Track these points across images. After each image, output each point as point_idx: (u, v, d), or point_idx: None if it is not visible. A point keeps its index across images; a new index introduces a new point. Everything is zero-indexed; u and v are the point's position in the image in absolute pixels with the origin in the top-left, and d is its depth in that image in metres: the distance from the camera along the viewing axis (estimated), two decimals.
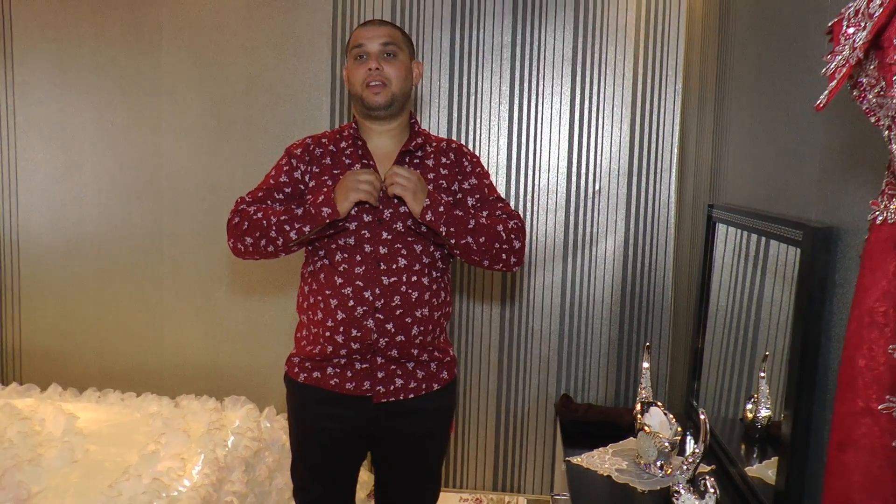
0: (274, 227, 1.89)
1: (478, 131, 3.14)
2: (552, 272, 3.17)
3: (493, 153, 3.14)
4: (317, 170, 2.02)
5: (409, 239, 1.96)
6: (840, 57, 0.90)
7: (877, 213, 1.01)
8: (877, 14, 0.81)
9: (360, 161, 2.02)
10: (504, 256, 1.99)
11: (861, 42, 0.85)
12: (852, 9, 0.91)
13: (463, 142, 3.14)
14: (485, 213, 2.02)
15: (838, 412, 1.09)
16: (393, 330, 1.94)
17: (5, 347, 3.49)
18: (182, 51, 3.24)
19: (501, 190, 3.14)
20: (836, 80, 0.89)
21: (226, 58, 3.22)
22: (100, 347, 3.43)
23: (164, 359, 3.39)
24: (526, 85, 3.11)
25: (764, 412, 1.93)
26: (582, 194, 3.13)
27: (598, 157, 3.11)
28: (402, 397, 1.99)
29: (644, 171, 3.09)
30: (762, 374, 1.95)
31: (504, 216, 2.03)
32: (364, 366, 1.97)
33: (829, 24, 0.96)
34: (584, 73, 3.08)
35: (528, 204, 3.15)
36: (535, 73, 3.10)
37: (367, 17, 3.12)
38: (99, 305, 3.41)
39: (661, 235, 3.10)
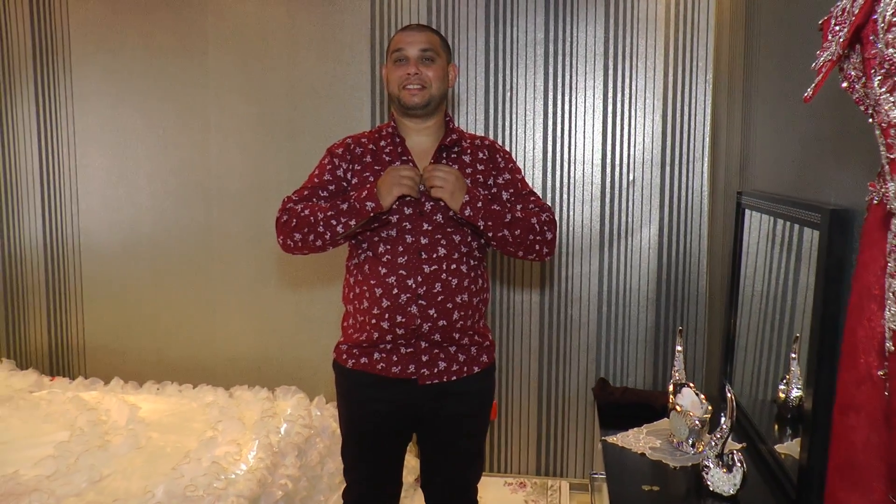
0: (321, 223, 2.01)
1: (514, 127, 3.24)
2: (589, 261, 3.25)
3: (528, 147, 3.24)
4: (358, 167, 2.14)
5: (449, 229, 2.07)
6: (828, 52, 0.98)
7: (873, 194, 1.08)
8: (855, 12, 0.89)
9: (400, 158, 2.13)
10: (537, 247, 2.09)
11: (842, 39, 0.93)
12: (839, 7, 0.99)
13: (499, 137, 3.24)
14: (519, 207, 2.12)
15: (841, 379, 1.17)
16: (435, 315, 2.05)
17: (70, 344, 3.71)
18: (227, 57, 3.40)
19: (538, 183, 3.24)
20: (822, 74, 0.97)
21: (269, 63, 3.36)
22: (157, 342, 3.62)
23: (217, 352, 3.56)
24: (559, 80, 3.19)
25: (795, 392, 1.98)
26: (616, 185, 3.20)
27: (632, 149, 3.18)
28: (444, 379, 2.10)
29: (677, 161, 3.15)
30: (793, 356, 2.00)
31: (537, 209, 2.12)
32: (409, 350, 2.08)
33: (820, 22, 1.04)
34: (616, 66, 3.15)
35: (564, 196, 3.23)
36: (568, 68, 3.18)
37: (404, 19, 3.23)
38: (155, 303, 3.59)
39: (695, 223, 3.16)
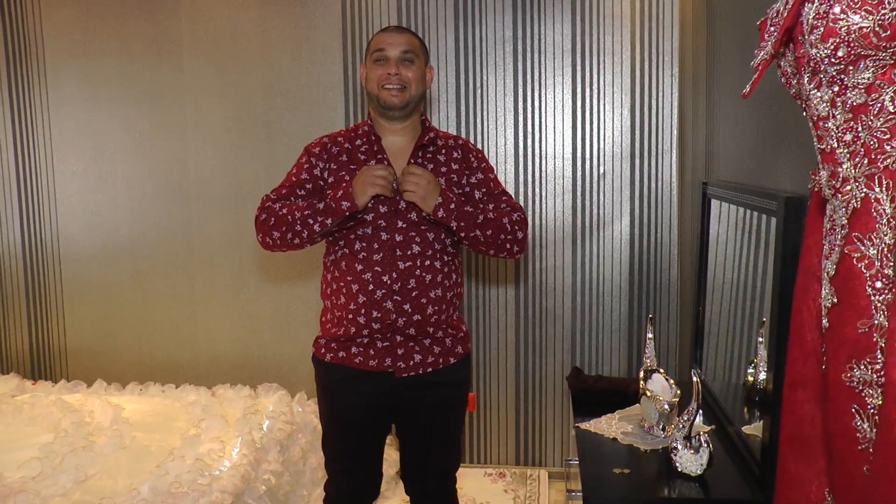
0: (298, 221, 2.07)
1: (485, 123, 3.30)
2: (563, 253, 3.32)
3: (500, 143, 3.30)
4: (334, 166, 2.19)
5: (423, 227, 2.13)
6: (763, 52, 1.05)
7: (813, 181, 1.15)
8: (783, 15, 0.96)
9: (375, 157, 2.18)
10: (508, 246, 2.15)
11: (773, 40, 0.99)
12: (774, 9, 1.05)
13: (471, 134, 3.30)
14: (491, 207, 2.18)
15: (790, 356, 1.24)
16: (410, 310, 2.11)
17: (52, 347, 3.73)
18: (203, 60, 3.43)
19: (511, 178, 3.30)
20: (758, 72, 1.04)
21: (244, 65, 3.40)
22: (139, 344, 3.65)
23: (198, 352, 3.60)
24: (529, 77, 3.26)
25: (763, 375, 2.06)
26: (588, 178, 3.28)
27: (602, 142, 3.25)
28: (421, 371, 2.16)
29: (646, 154, 3.22)
30: (760, 340, 2.08)
31: (508, 209, 2.18)
32: (385, 344, 2.14)
33: (758, 22, 1.10)
34: (584, 62, 3.22)
35: (537, 190, 3.30)
36: (536, 64, 3.25)
37: (375, 19, 3.28)
38: (136, 305, 3.62)
39: (665, 213, 3.24)
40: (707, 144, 2.69)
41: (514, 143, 3.29)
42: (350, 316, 2.12)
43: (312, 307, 3.43)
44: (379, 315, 2.10)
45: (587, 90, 3.23)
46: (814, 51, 0.93)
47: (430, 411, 2.23)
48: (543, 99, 3.26)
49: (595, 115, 3.24)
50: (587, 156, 3.27)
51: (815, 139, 1.03)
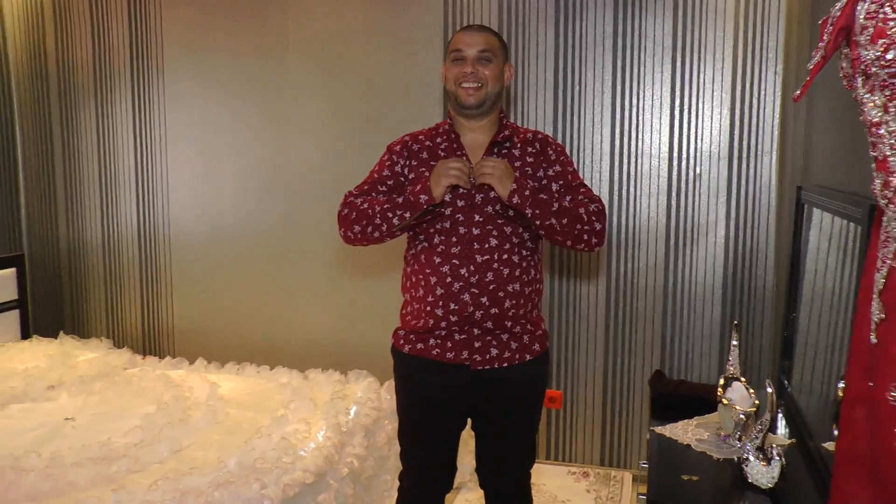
0: (378, 215, 2.13)
1: (582, 121, 3.27)
2: (655, 255, 3.26)
3: (596, 141, 3.27)
4: (415, 163, 2.24)
5: (500, 221, 2.14)
6: (819, 53, 1.01)
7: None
8: (838, 14, 0.92)
9: (454, 153, 2.22)
10: (586, 237, 2.13)
11: (826, 41, 0.96)
12: (837, 7, 1.01)
13: (567, 130, 3.29)
14: (568, 198, 2.16)
15: (849, 373, 1.19)
16: (487, 303, 2.12)
17: (161, 326, 3.99)
18: (307, 58, 3.57)
19: (605, 175, 3.27)
20: (811, 74, 1.00)
21: (346, 62, 3.51)
22: (238, 326, 3.85)
23: (294, 336, 3.76)
24: (628, 74, 3.21)
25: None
26: (683, 179, 3.20)
27: (699, 142, 3.17)
28: (496, 366, 2.17)
29: (745, 155, 3.11)
30: None
31: (586, 200, 2.16)
32: (462, 336, 2.16)
33: (820, 21, 1.06)
34: (685, 59, 3.14)
35: (631, 189, 3.25)
36: (636, 61, 3.19)
37: (476, 16, 3.32)
38: (237, 290, 3.82)
39: (763, 218, 3.12)
40: (805, 147, 2.58)
41: (611, 140, 3.25)
42: (428, 308, 2.15)
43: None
44: (456, 307, 2.12)
45: (686, 87, 3.16)
46: (864, 52, 0.89)
47: (505, 407, 2.23)
48: (641, 96, 3.21)
49: (693, 113, 3.16)
50: (683, 155, 3.19)
51: (869, 146, 0.99)
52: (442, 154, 2.23)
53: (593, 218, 2.12)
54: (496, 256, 2.13)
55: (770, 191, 3.10)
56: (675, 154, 3.20)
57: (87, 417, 2.93)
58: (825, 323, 2.28)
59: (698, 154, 3.17)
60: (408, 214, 2.10)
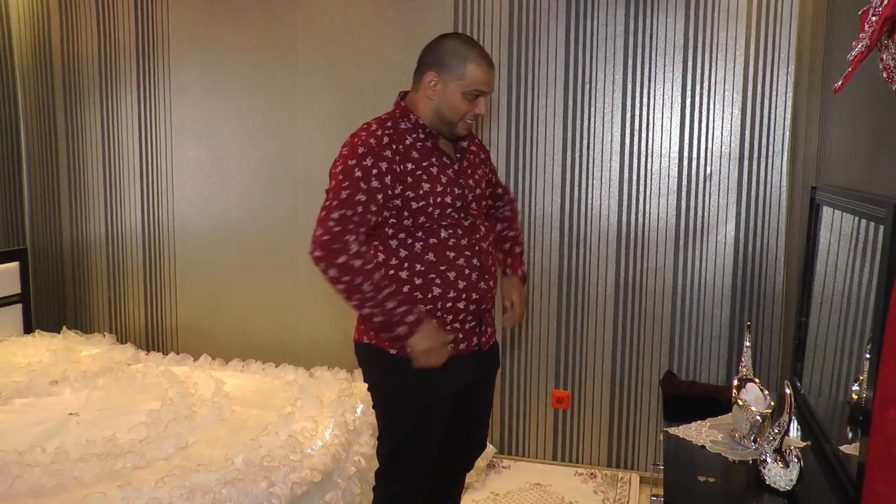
0: (366, 303, 1.97)
1: (592, 119, 3.25)
2: (664, 255, 3.24)
3: (606, 140, 3.25)
4: (411, 167, 2.08)
5: (482, 211, 2.27)
6: (861, 44, 0.98)
7: None
8: (885, 3, 0.90)
9: (436, 155, 2.13)
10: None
11: (870, 31, 0.93)
12: None
13: (577, 129, 3.27)
14: (515, 232, 2.50)
15: (883, 372, 1.17)
16: (493, 285, 2.22)
17: (165, 322, 3.96)
18: (315, 54, 3.54)
19: (615, 175, 3.25)
20: (853, 66, 0.98)
21: (355, 59, 3.49)
22: (243, 323, 3.82)
23: (299, 333, 3.73)
24: (638, 72, 3.19)
25: (868, 394, 1.95)
26: (693, 179, 3.18)
27: (710, 142, 3.15)
28: (493, 341, 2.32)
29: (755, 155, 3.09)
30: (867, 357, 1.96)
31: (511, 213, 2.52)
32: (473, 324, 2.19)
33: (860, 11, 1.04)
34: (696, 58, 3.12)
35: (641, 188, 3.23)
36: (647, 60, 3.17)
37: (487, 13, 3.29)
38: (242, 286, 3.80)
39: (773, 218, 3.10)
40: (819, 147, 2.56)
41: (621, 139, 3.23)
42: (449, 304, 2.10)
43: None
44: (477, 297, 2.15)
45: (697, 87, 3.13)
46: None
47: (487, 382, 2.34)
48: (652, 95, 3.19)
49: (704, 113, 3.14)
50: (694, 155, 3.17)
51: None
52: (424, 154, 2.12)
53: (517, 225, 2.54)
54: (488, 240, 2.24)
55: (781, 191, 3.08)
56: (686, 153, 3.18)
57: (90, 413, 2.91)
58: (838, 324, 2.26)
59: (709, 154, 3.15)
60: (380, 328, 2.02)
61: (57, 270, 4.15)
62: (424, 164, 2.10)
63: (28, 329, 4.01)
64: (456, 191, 2.12)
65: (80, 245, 4.08)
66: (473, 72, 2.08)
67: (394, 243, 2.09)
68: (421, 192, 2.05)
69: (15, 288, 3.96)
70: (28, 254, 4.09)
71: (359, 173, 2.01)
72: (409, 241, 2.09)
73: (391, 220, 2.07)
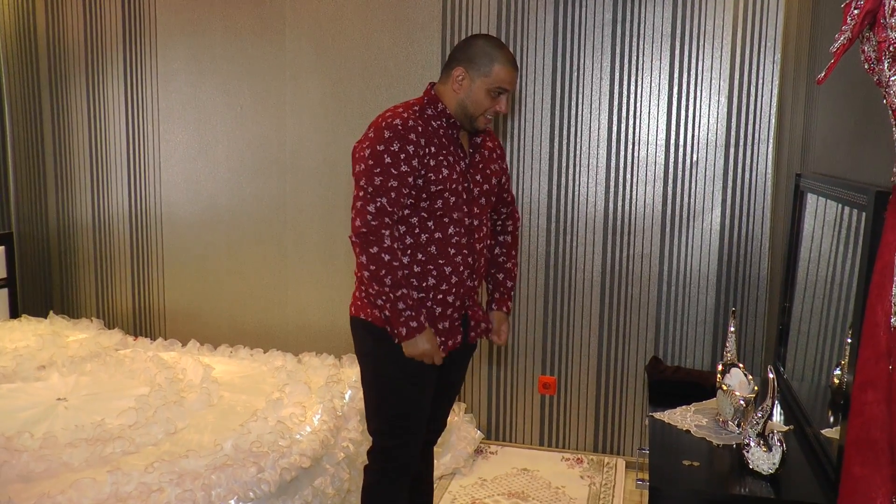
0: (380, 293, 2.10)
1: (579, 107, 3.27)
2: (650, 242, 3.26)
3: (594, 128, 3.26)
4: (433, 149, 2.16)
5: (487, 209, 2.31)
6: (844, 36, 1.00)
7: (894, 175, 1.10)
8: None
9: (454, 145, 2.21)
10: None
11: (852, 23, 0.95)
12: None
13: (565, 117, 3.29)
14: (511, 262, 2.52)
15: (861, 356, 1.19)
16: (478, 283, 2.32)
17: (152, 307, 3.96)
18: (304, 39, 3.53)
19: (602, 163, 3.27)
20: (836, 57, 0.99)
21: (344, 43, 3.48)
22: (231, 308, 3.82)
23: (288, 319, 3.74)
24: (626, 61, 3.20)
25: (849, 378, 1.98)
26: (680, 166, 3.20)
27: (696, 130, 3.17)
28: (483, 326, 2.39)
29: (741, 143, 3.12)
30: (849, 341, 1.99)
31: (511, 239, 2.53)
32: (458, 322, 2.29)
33: (843, 4, 1.05)
34: (683, 46, 3.14)
35: (628, 175, 3.25)
36: (634, 48, 3.19)
37: (474, 1, 3.28)
38: (230, 271, 3.79)
39: (759, 205, 3.13)
40: (804, 135, 2.58)
41: (608, 126, 3.25)
42: (440, 297, 2.21)
43: None
44: (463, 292, 2.24)
45: (684, 75, 3.15)
46: (893, 34, 0.89)
47: (465, 353, 2.43)
48: (639, 83, 3.20)
49: (691, 101, 3.16)
50: (681, 143, 3.19)
51: (893, 129, 0.98)
52: (445, 142, 2.20)
53: (514, 253, 2.54)
54: (485, 242, 2.31)
55: (766, 178, 3.11)
56: (673, 141, 3.20)
57: (79, 398, 2.91)
58: (821, 309, 2.29)
59: (695, 141, 3.18)
60: (388, 315, 2.12)
61: (43, 255, 4.13)
62: (444, 151, 2.19)
63: (14, 314, 4.00)
64: (464, 183, 2.21)
65: (66, 229, 4.06)
66: (499, 71, 2.18)
67: (402, 228, 2.17)
68: (441, 175, 2.14)
69: (1, 272, 3.94)
70: (14, 238, 4.07)
71: (388, 159, 2.08)
72: (418, 230, 2.18)
73: (409, 201, 2.15)
